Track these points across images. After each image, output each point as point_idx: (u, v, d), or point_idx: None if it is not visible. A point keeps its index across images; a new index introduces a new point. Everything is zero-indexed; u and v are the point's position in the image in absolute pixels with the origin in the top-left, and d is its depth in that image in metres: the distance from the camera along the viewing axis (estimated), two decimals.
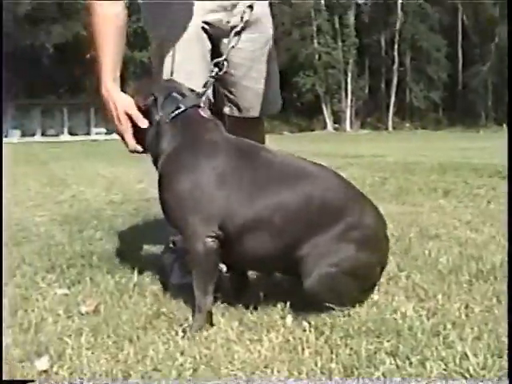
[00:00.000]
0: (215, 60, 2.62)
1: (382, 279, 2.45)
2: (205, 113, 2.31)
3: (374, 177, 7.69)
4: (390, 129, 56.87)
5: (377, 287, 2.35)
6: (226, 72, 2.69)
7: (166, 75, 2.67)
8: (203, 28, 2.73)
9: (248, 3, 2.77)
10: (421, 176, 7.76)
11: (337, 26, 59.55)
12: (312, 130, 52.93)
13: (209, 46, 2.77)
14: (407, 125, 58.30)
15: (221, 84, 2.92)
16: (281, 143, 10.79)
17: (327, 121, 57.49)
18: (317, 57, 57.41)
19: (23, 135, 46.90)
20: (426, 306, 2.21)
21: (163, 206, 2.21)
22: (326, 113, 57.62)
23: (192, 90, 2.38)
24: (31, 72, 51.35)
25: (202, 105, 2.38)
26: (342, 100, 58.85)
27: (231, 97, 2.97)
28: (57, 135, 47.82)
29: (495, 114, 56.01)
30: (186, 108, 2.24)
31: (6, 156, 16.27)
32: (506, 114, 50.85)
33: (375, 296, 2.29)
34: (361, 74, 61.34)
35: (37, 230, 4.24)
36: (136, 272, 2.76)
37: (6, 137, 46.08)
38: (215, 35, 2.78)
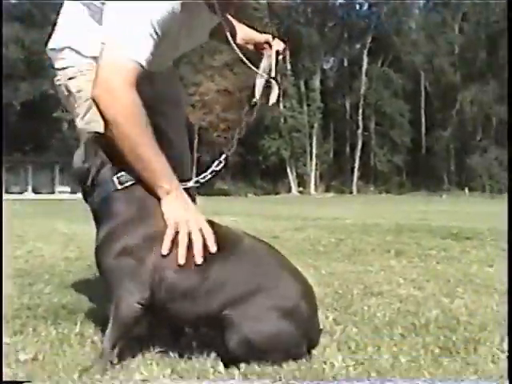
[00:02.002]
0: None
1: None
2: None
3: (330, 238, 7.80)
4: (355, 192, 57.53)
5: None
6: None
7: None
8: None
9: None
10: (377, 237, 7.88)
11: (302, 89, 60.59)
12: (277, 193, 53.30)
13: None
14: (371, 188, 59.04)
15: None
16: (244, 205, 10.89)
17: (292, 184, 57.97)
18: (282, 120, 58.16)
19: None
20: (355, 357, 2.30)
21: (101, 268, 2.31)
22: (291, 176, 58.15)
23: None
24: None
25: None
26: (307, 163, 59.48)
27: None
28: (21, 193, 47.54)
29: (458, 178, 57.05)
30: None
31: None
32: (467, 178, 51.86)
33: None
34: (326, 138, 62.24)
35: None
36: (79, 323, 2.82)
37: None
38: None
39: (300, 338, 2.20)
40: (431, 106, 60.75)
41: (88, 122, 2.63)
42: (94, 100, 2.31)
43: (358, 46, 65.64)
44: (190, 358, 2.25)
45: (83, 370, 2.11)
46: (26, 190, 48.75)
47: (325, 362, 2.19)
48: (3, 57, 51.96)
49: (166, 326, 2.52)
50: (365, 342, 2.50)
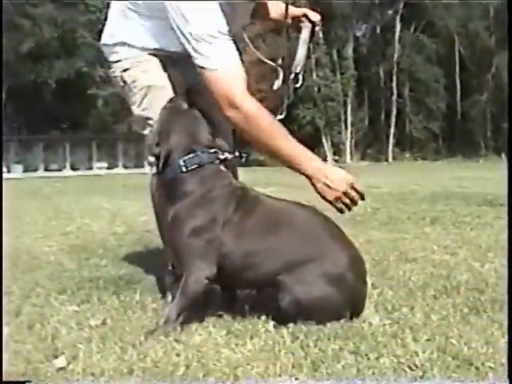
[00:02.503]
0: None
1: None
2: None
3: (366, 207, 7.99)
4: (390, 160, 57.21)
5: None
6: None
7: None
8: None
9: None
10: (412, 205, 8.07)
11: (335, 58, 60.19)
12: None
13: None
14: (407, 155, 58.63)
15: None
16: (280, 176, 11.11)
17: (327, 153, 57.81)
18: (316, 89, 57.87)
19: (26, 170, 47.22)
20: (391, 316, 2.54)
21: (173, 245, 2.57)
22: (326, 145, 57.98)
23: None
24: (34, 107, 51.89)
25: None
26: (342, 132, 59.25)
27: None
28: (59, 170, 48.16)
29: (495, 144, 56.38)
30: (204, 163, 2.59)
31: (9, 190, 16.70)
32: (505, 144, 51.25)
33: None
34: (360, 106, 61.77)
35: (47, 258, 4.57)
36: (138, 292, 3.10)
37: (8, 172, 46.57)
38: None
39: (344, 304, 2.45)
40: (466, 71, 59.94)
41: (144, 108, 2.91)
42: (230, 120, 2.65)
43: (390, 12, 64.77)
44: (242, 320, 2.51)
45: (148, 333, 2.38)
46: (64, 167, 49.34)
47: (364, 321, 2.44)
48: (38, 36, 52.51)
49: (221, 292, 2.78)
50: (400, 303, 2.74)
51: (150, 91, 2.90)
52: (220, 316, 2.59)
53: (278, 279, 2.42)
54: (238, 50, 2.71)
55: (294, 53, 3.18)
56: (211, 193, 2.54)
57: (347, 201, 2.63)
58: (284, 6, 3.36)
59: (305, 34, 3.22)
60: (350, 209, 2.69)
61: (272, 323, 2.43)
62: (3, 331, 2.46)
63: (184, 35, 2.62)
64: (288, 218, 2.56)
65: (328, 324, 2.38)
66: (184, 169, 2.55)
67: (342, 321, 2.41)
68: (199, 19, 2.60)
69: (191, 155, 2.56)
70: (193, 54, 2.63)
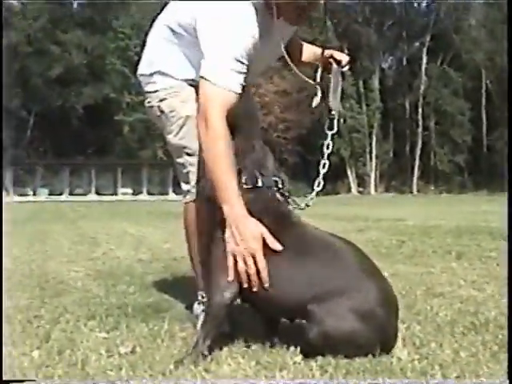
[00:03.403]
0: None
1: None
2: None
3: (392, 240, 7.99)
4: (415, 192, 57.06)
5: None
6: None
7: None
8: None
9: None
10: (438, 239, 8.04)
11: (361, 90, 60.39)
12: (337, 193, 53.21)
13: None
14: (432, 188, 58.46)
15: None
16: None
17: (352, 184, 57.86)
18: (342, 120, 58.06)
19: (51, 194, 47.73)
20: (419, 352, 2.54)
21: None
22: (351, 176, 58.04)
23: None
24: (61, 132, 52.46)
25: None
26: (367, 163, 59.30)
27: None
28: (84, 194, 48.58)
29: None
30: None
31: (35, 213, 16.92)
32: None
33: None
34: (385, 138, 61.83)
35: (74, 284, 4.62)
36: (167, 321, 3.12)
37: (34, 195, 47.08)
38: None
39: (373, 340, 2.43)
40: (492, 104, 59.85)
41: (181, 137, 2.97)
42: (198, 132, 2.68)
43: (416, 44, 65.06)
44: (271, 352, 2.52)
45: (178, 362, 2.39)
46: (89, 192, 49.75)
47: (392, 357, 2.44)
48: (67, 62, 53.23)
49: (254, 321, 2.80)
50: (428, 338, 2.73)
51: (189, 121, 2.95)
52: (249, 347, 2.60)
53: (309, 309, 2.42)
54: (243, 87, 2.72)
55: (327, 97, 3.21)
56: (258, 213, 2.58)
57: (248, 261, 2.50)
58: (311, 47, 3.43)
59: (333, 80, 3.24)
60: (249, 278, 2.52)
61: (301, 356, 2.43)
62: (3, 331, 2.49)
63: (203, 51, 2.69)
64: (323, 247, 2.58)
65: (357, 358, 2.38)
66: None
67: (371, 355, 2.41)
68: (221, 41, 2.66)
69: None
70: (202, 64, 2.69)
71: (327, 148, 3.12)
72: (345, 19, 61.79)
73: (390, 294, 2.60)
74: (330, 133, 3.13)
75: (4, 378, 2.29)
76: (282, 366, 2.34)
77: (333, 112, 3.15)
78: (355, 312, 2.41)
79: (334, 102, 3.16)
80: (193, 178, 3.01)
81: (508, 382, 1.89)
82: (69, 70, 53.76)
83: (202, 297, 3.08)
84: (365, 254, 2.64)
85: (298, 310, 2.46)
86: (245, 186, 2.60)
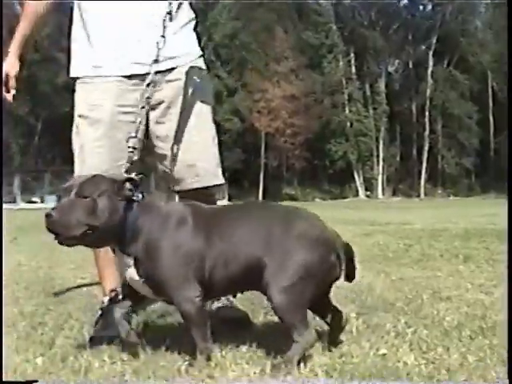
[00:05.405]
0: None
1: (391, 334, 2.79)
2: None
3: (399, 243, 7.96)
4: (422, 196, 56.95)
5: (385, 341, 2.68)
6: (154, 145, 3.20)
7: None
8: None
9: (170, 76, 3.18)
10: (445, 243, 8.01)
11: (368, 93, 60.36)
12: (344, 198, 53.16)
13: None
14: (439, 191, 58.35)
15: (157, 159, 3.31)
16: (312, 210, 11.08)
17: (359, 188, 57.77)
18: (348, 124, 58.05)
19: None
20: (426, 356, 2.51)
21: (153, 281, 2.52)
22: (358, 180, 57.95)
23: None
24: (69, 139, 52.55)
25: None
26: (374, 167, 59.22)
27: (165, 170, 3.31)
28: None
29: None
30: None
31: (42, 219, 16.75)
32: None
33: (383, 349, 2.59)
34: (392, 141, 61.74)
35: (80, 290, 4.61)
36: (171, 326, 3.10)
37: (42, 202, 47.13)
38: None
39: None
40: (499, 106, 59.66)
41: None
42: None
43: (423, 47, 64.96)
44: (275, 357, 2.49)
45: (189, 365, 2.38)
46: None
47: (398, 361, 2.41)
48: None
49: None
50: (435, 343, 2.70)
51: None
52: (254, 352, 2.57)
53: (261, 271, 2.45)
54: None
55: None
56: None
57: None
58: None
59: None
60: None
61: (305, 361, 2.41)
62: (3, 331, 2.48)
63: None
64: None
65: (362, 363, 2.35)
66: None
67: (377, 359, 2.39)
68: None
69: None
70: None
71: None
72: (351, 23, 61.84)
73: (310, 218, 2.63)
74: None
75: (4, 379, 2.29)
76: (286, 372, 2.32)
77: None
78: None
79: None
80: None
81: (508, 381, 1.87)
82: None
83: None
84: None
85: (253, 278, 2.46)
86: None
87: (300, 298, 2.39)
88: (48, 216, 2.38)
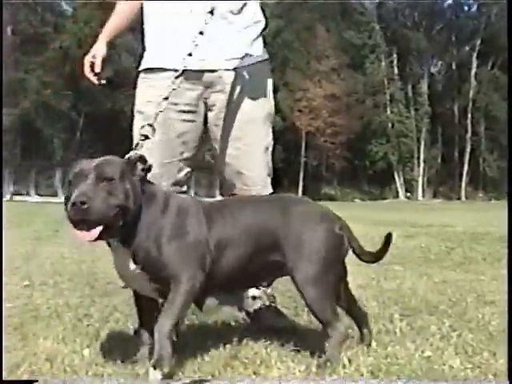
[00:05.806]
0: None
1: (436, 337, 2.78)
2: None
3: (441, 246, 7.90)
4: (463, 198, 56.32)
5: (430, 344, 2.67)
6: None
7: None
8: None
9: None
10: (487, 246, 7.93)
11: (410, 94, 59.83)
12: (384, 199, 52.75)
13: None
14: (480, 194, 57.63)
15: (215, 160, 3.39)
16: (352, 211, 11.06)
17: (399, 189, 57.31)
18: (390, 125, 57.62)
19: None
20: (472, 360, 2.49)
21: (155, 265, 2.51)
22: (398, 181, 57.49)
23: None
24: (110, 134, 53.04)
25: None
26: (415, 169, 58.68)
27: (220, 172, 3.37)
28: None
29: None
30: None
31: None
32: None
33: (428, 351, 2.58)
34: (434, 143, 61.10)
35: (122, 284, 4.64)
36: (212, 318, 3.12)
37: None
38: None
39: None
40: None
41: None
42: None
43: (466, 48, 64.18)
44: (320, 355, 2.49)
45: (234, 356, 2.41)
46: None
47: (444, 364, 2.39)
48: (116, 65, 53.76)
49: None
50: (480, 347, 2.68)
51: None
52: (298, 351, 2.57)
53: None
54: None
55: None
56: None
57: None
58: None
59: None
60: None
61: (349, 360, 2.41)
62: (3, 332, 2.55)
63: None
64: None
65: (408, 365, 2.34)
66: None
67: (422, 361, 2.38)
68: None
69: None
70: None
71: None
72: (394, 23, 61.39)
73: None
74: None
75: (4, 378, 2.31)
76: (331, 371, 2.32)
77: None
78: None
79: None
80: None
81: (508, 382, 1.85)
82: (118, 73, 54.25)
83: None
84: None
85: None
86: None
87: (327, 284, 2.48)
88: (75, 205, 2.27)
